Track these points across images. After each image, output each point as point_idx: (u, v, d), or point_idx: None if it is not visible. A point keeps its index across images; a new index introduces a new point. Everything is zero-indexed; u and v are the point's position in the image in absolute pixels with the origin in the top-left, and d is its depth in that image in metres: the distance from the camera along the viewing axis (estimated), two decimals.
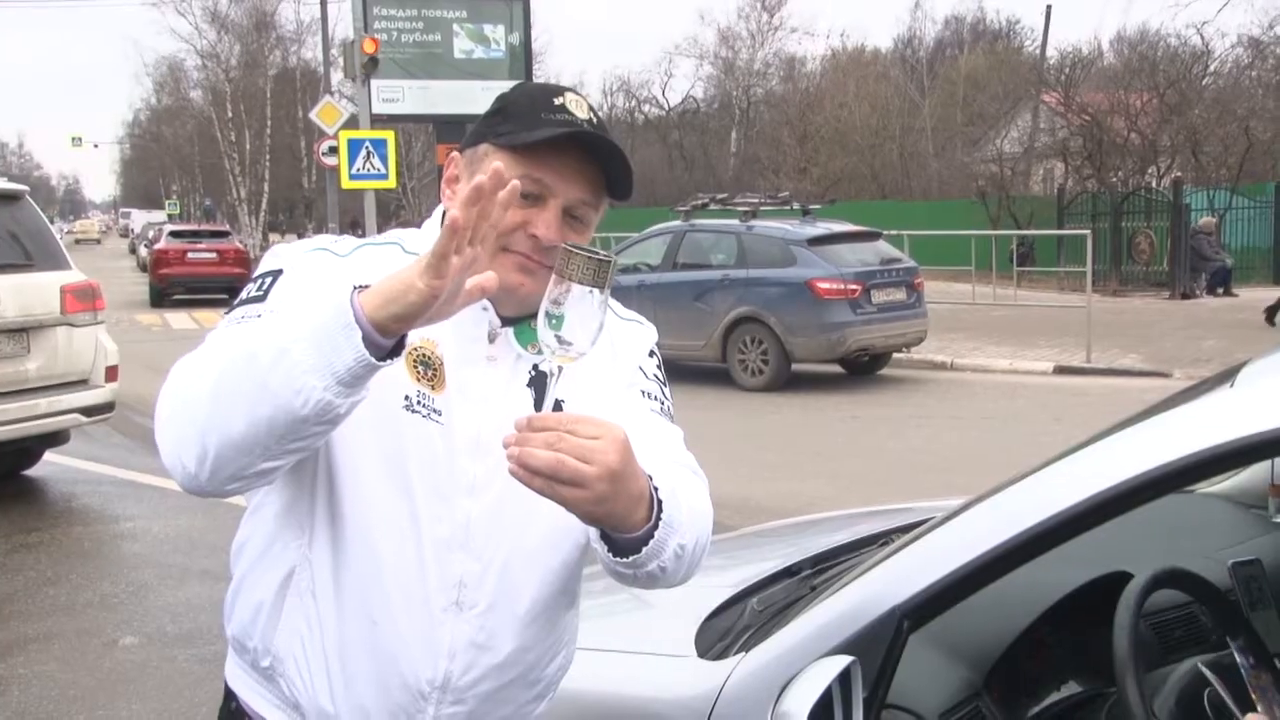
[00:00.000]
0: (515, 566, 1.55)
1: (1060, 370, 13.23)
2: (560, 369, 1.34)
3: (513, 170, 1.39)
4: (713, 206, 14.25)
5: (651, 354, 1.70)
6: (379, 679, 1.52)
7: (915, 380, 13.18)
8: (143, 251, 38.33)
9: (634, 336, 1.69)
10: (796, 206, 14.19)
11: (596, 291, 1.30)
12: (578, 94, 1.55)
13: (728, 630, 2.04)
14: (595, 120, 1.53)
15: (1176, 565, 2.00)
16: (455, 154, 1.59)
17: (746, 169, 42.60)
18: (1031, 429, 9.57)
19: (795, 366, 12.55)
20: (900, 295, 12.75)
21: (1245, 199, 23.70)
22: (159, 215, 57.32)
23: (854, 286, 12.14)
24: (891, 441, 9.68)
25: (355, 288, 1.29)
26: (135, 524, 7.10)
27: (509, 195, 1.26)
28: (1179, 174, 24.54)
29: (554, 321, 1.30)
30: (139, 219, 65.67)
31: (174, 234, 28.38)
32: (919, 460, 8.71)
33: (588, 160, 1.50)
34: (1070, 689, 2.07)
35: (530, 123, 1.49)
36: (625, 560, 1.39)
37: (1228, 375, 1.61)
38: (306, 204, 45.24)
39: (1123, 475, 1.52)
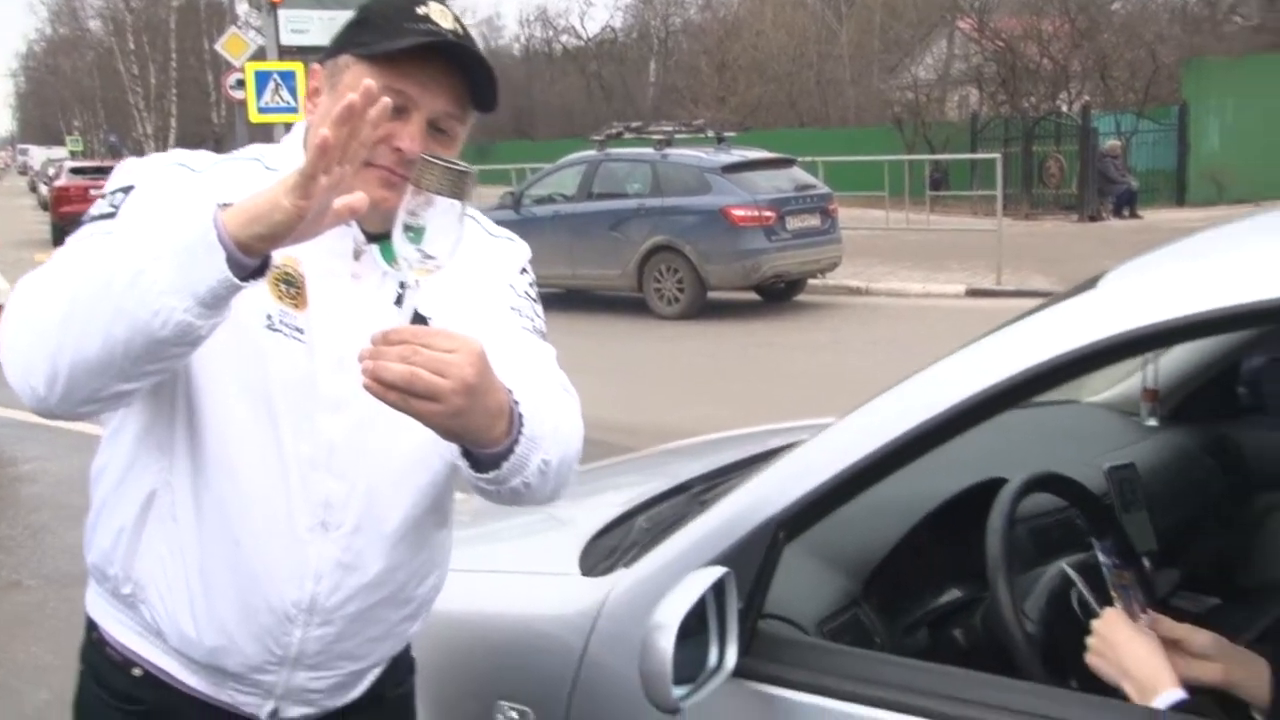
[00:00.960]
0: (382, 486, 1.52)
1: (972, 293, 13.42)
2: (418, 282, 1.31)
3: (375, 82, 1.34)
4: (628, 136, 14.14)
5: (523, 271, 1.67)
6: (243, 602, 1.49)
7: (830, 305, 13.29)
8: (43, 189, 37.16)
9: (505, 253, 1.66)
10: (711, 134, 14.13)
11: (456, 203, 1.27)
12: (442, 3, 1.50)
13: (614, 548, 2.04)
14: (460, 30, 1.48)
15: (1050, 470, 2.04)
16: (316, 66, 1.53)
17: (665, 99, 42.29)
18: (943, 350, 9.64)
19: (711, 294, 12.58)
20: (814, 221, 12.81)
21: (1151, 122, 24.08)
22: (60, 152, 55.44)
23: (768, 213, 12.16)
24: (806, 366, 9.76)
25: (218, 205, 1.25)
26: (33, 465, 6.95)
27: (380, 113, 1.23)
28: (1088, 99, 24.88)
29: (412, 234, 1.27)
30: (38, 155, 63.44)
31: (75, 171, 27.53)
32: (832, 383, 8.79)
33: (452, 71, 1.46)
34: (951, 594, 2.11)
35: (392, 32, 1.44)
36: (487, 476, 1.37)
37: (1092, 281, 1.63)
38: (216, 139, 44.14)
39: (988, 381, 1.53)
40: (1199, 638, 1.68)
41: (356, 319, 1.47)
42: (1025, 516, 2.22)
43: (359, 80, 1.31)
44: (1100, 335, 1.46)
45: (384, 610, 1.58)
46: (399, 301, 1.50)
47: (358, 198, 1.26)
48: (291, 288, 1.47)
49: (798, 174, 13.34)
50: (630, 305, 12.88)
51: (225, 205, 1.25)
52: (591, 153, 13.76)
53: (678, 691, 1.49)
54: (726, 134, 14.35)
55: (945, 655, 1.96)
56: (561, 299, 13.42)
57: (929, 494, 2.16)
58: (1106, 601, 1.73)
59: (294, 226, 1.23)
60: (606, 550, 2.05)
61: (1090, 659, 1.62)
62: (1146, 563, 2.22)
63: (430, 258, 1.29)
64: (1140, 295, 1.49)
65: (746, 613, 1.63)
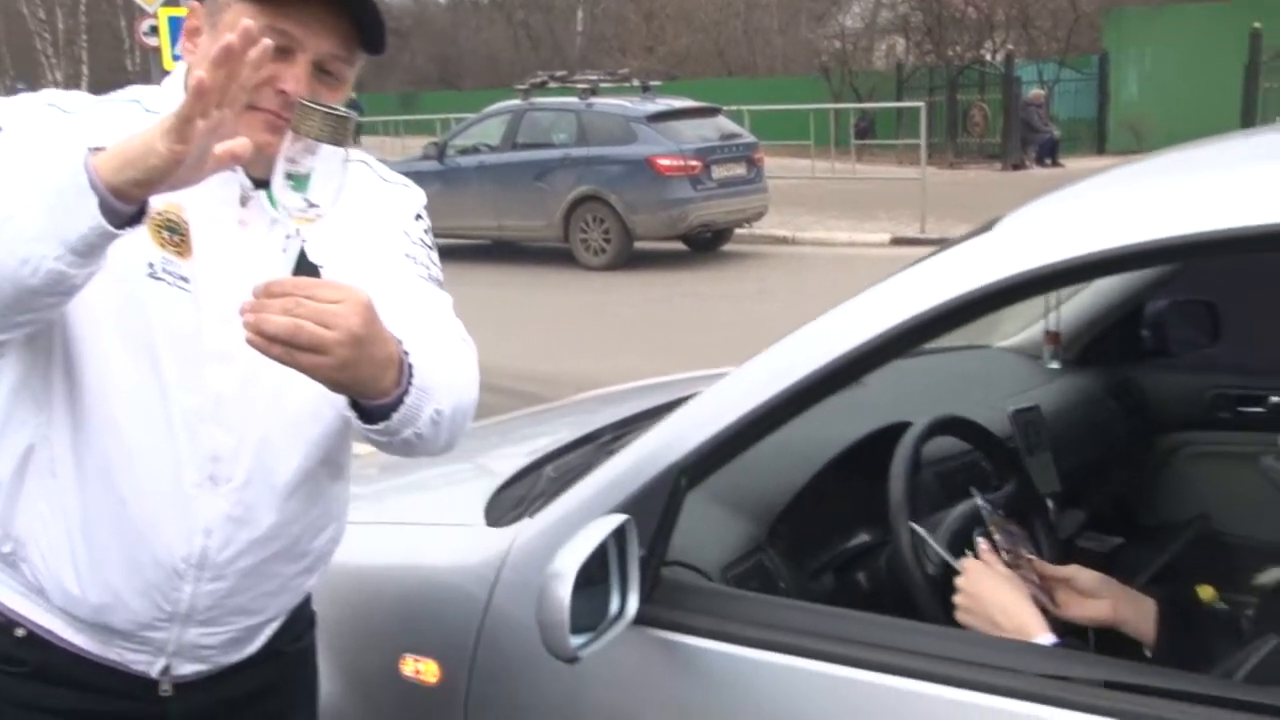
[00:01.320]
0: (273, 438, 1.49)
1: (896, 241, 13.51)
2: (298, 231, 1.28)
3: (256, 21, 1.29)
4: (552, 85, 14.00)
5: (418, 218, 1.63)
6: (128, 558, 1.45)
7: (757, 255, 13.32)
8: None
9: (398, 200, 1.62)
10: (636, 83, 14.05)
11: (338, 150, 1.24)
12: None
13: (521, 498, 2.02)
14: None
15: (953, 413, 2.05)
16: (195, 3, 1.47)
17: (593, 48, 41.88)
18: None
19: (638, 244, 12.54)
20: (740, 170, 12.79)
21: (1072, 71, 24.34)
22: None
23: (694, 162, 12.12)
24: (732, 315, 9.78)
25: (90, 149, 1.20)
26: None
27: (260, 55, 1.18)
28: (1011, 47, 25.07)
29: (293, 181, 1.24)
30: None
31: None
32: (758, 332, 8.73)
33: (337, 11, 1.41)
34: (859, 539, 2.12)
35: None
36: (377, 428, 1.35)
37: (989, 224, 1.63)
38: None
39: (885, 326, 1.53)
40: (1084, 576, 1.70)
41: (244, 267, 1.42)
42: (933, 460, 2.24)
43: (239, 20, 1.26)
44: (995, 277, 1.46)
45: (277, 564, 1.55)
46: (287, 250, 1.46)
47: (239, 143, 1.21)
48: (175, 235, 1.42)
49: (723, 123, 13.30)
50: (557, 256, 12.81)
51: (98, 149, 1.20)
52: (516, 102, 13.59)
53: (576, 640, 1.48)
54: (652, 83, 14.27)
55: (850, 599, 1.97)
56: (487, 251, 13.34)
57: (836, 439, 2.17)
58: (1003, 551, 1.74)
59: (170, 172, 1.19)
60: (514, 500, 2.03)
61: (959, 616, 1.63)
62: (1050, 504, 2.26)
63: (313, 205, 1.26)
64: (1034, 237, 1.49)
65: (649, 560, 1.62)
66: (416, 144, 15.77)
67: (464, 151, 13.50)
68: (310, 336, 1.18)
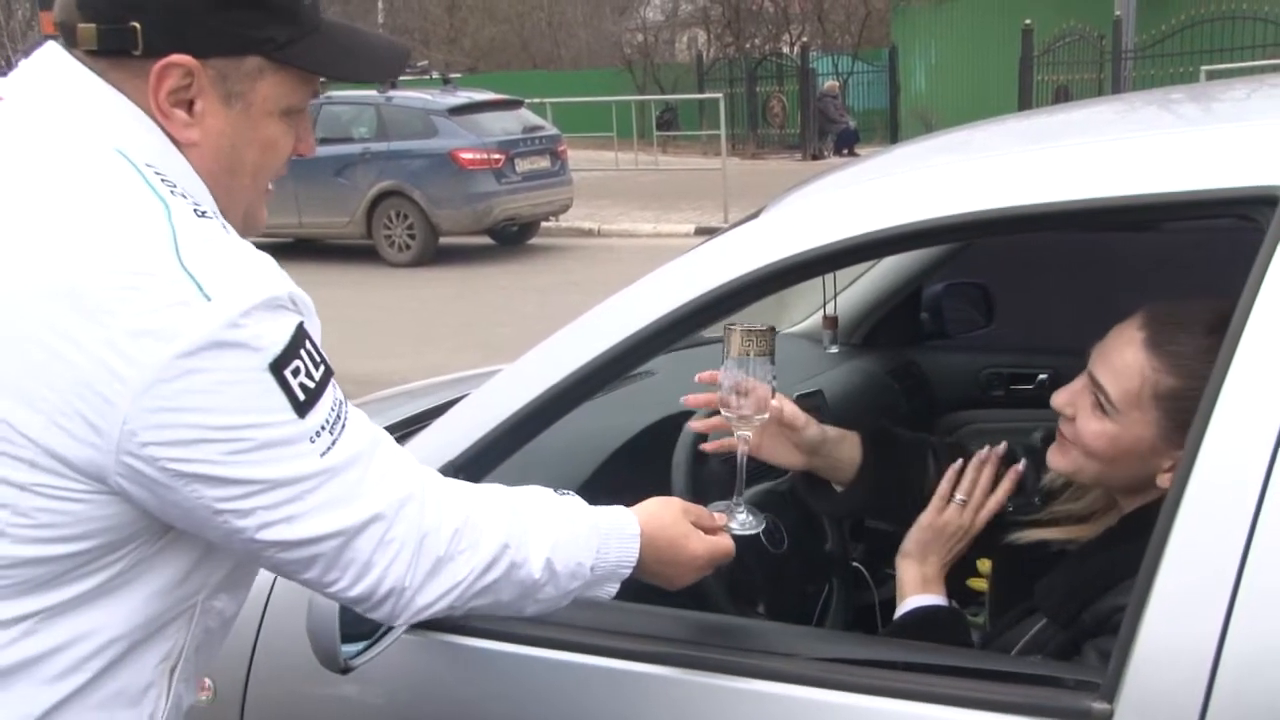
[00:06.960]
0: None
1: (701, 231, 13.69)
2: None
3: (297, 94, 1.20)
4: None
5: None
6: None
7: (564, 248, 13.32)
8: None
9: None
10: (436, 76, 13.87)
11: None
12: None
13: None
14: None
15: None
16: (186, 61, 1.12)
17: None
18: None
19: (444, 240, 12.39)
20: (544, 163, 12.77)
21: (865, 64, 25.17)
22: None
23: (497, 156, 12.05)
24: (538, 309, 9.75)
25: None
26: None
27: None
28: (806, 40, 25.78)
29: None
30: None
31: None
32: (562, 325, 8.82)
33: None
34: None
35: (304, 19, 1.19)
36: None
37: (757, 212, 1.64)
38: None
39: (656, 314, 1.53)
40: (811, 430, 1.75)
41: None
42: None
43: (281, 92, 1.18)
44: (759, 265, 1.47)
45: None
46: None
47: None
48: None
49: (526, 115, 13.25)
50: (360, 254, 12.53)
51: None
52: None
53: (348, 649, 1.43)
54: (453, 75, 14.12)
55: (641, 591, 1.97)
56: (290, 249, 12.98)
57: (626, 430, 2.16)
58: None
59: None
60: None
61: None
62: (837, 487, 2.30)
63: None
64: (796, 224, 1.51)
65: None
66: None
67: None
68: None
